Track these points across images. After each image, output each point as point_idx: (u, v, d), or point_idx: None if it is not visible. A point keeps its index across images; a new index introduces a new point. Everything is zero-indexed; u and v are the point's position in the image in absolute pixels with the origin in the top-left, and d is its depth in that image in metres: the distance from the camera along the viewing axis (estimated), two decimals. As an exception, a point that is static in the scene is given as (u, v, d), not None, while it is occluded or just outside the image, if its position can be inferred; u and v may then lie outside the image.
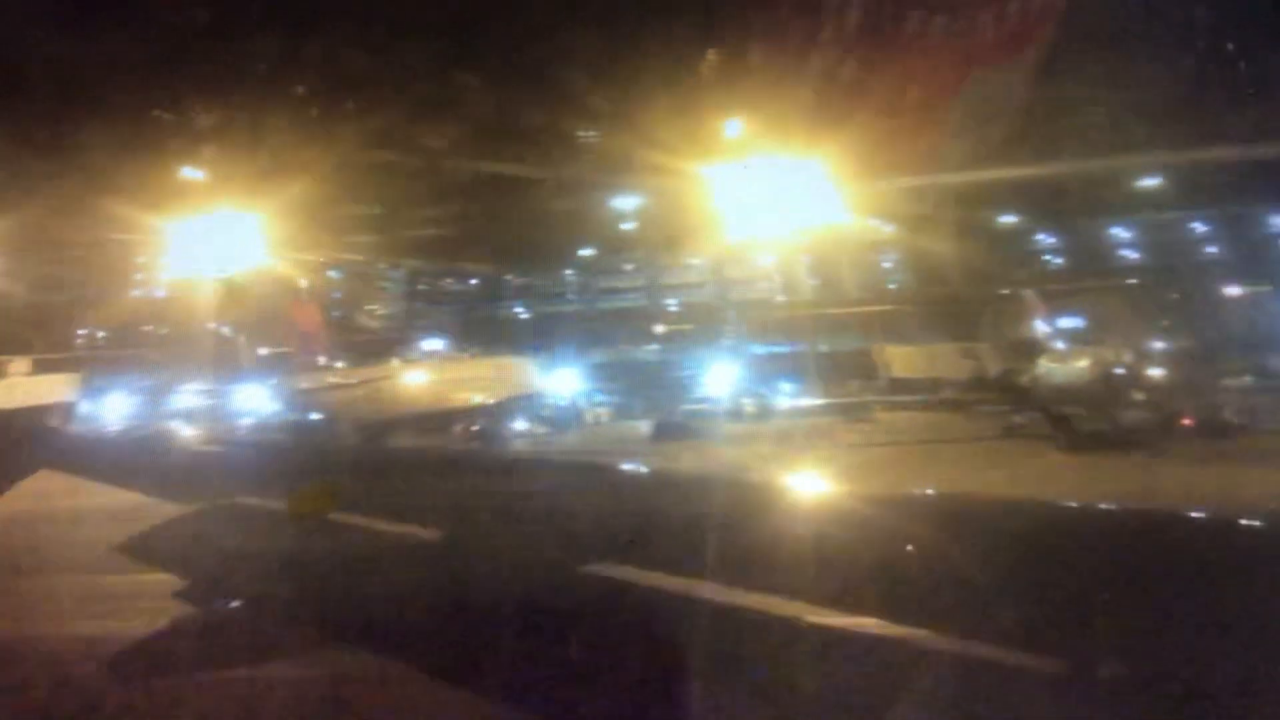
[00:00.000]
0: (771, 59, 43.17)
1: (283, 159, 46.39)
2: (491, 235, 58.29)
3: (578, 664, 3.89)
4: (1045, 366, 33.08)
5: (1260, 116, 43.88)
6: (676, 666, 3.51)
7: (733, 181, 43.04)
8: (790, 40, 43.87)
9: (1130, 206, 51.32)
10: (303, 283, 49.50)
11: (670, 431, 34.55)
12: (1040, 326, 35.93)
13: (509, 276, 61.81)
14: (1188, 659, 2.43)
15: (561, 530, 4.50)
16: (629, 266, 59.06)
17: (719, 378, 42.26)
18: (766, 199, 43.07)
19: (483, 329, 55.67)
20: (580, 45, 49.82)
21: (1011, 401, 33.42)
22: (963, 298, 43.79)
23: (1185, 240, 52.73)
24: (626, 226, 57.84)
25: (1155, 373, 31.84)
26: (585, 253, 59.66)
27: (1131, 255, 54.50)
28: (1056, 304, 39.67)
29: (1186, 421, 29.44)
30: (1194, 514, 3.20)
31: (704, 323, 51.45)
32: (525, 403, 38.50)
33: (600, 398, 42.83)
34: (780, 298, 51.94)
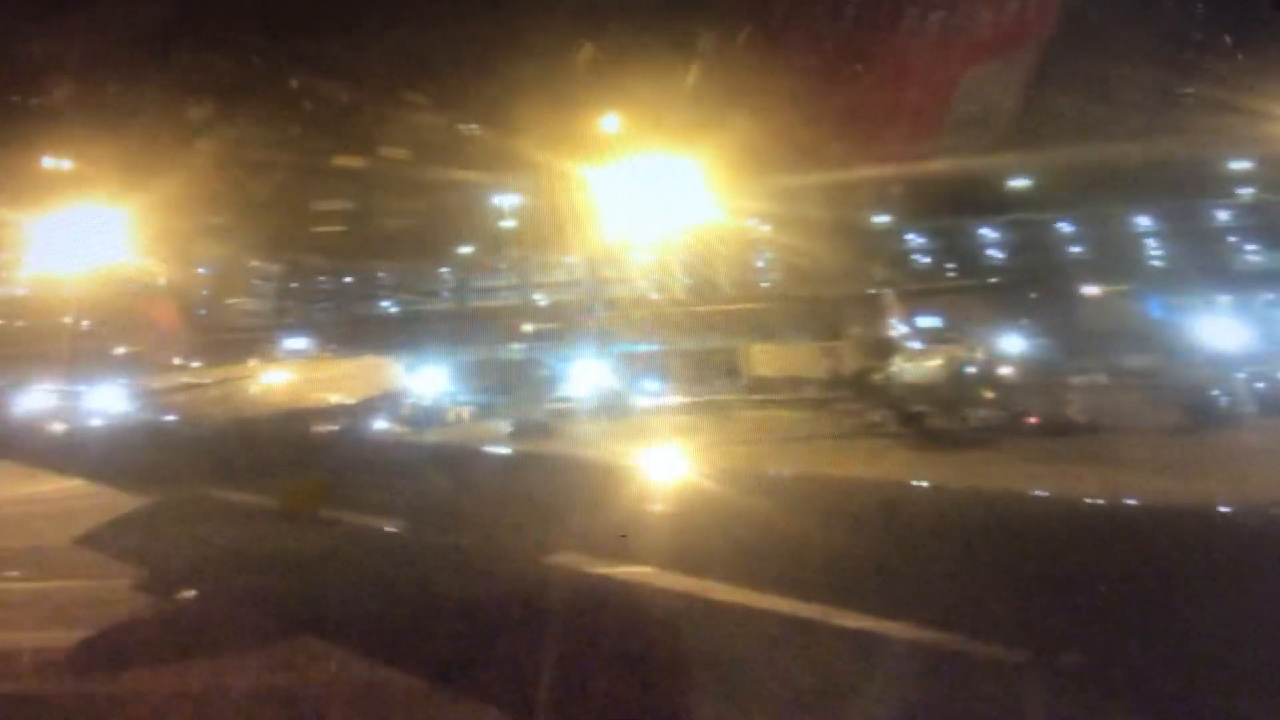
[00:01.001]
0: (653, 61, 43.04)
1: (151, 154, 45.14)
2: (366, 233, 57.45)
3: (554, 659, 3.65)
4: (899, 365, 33.16)
5: (1126, 121, 44.85)
6: (655, 661, 3.41)
7: (612, 181, 42.80)
8: (672, 43, 43.82)
9: (1000, 207, 52.20)
10: (161, 280, 48.20)
11: (529, 431, 33.96)
12: (897, 325, 36.08)
13: (384, 274, 61.00)
14: (1145, 648, 2.43)
15: (539, 525, 4.33)
16: (505, 265, 58.52)
17: (583, 376, 41.80)
18: (645, 198, 42.92)
19: (352, 327, 54.62)
20: (464, 43, 49.25)
21: (866, 400, 33.42)
22: (827, 297, 43.99)
23: (1050, 241, 53.71)
24: (505, 224, 57.45)
25: (1005, 371, 32.01)
26: (462, 250, 59.10)
27: (998, 255, 55.36)
28: (917, 303, 39.97)
29: (1032, 420, 29.61)
30: (1153, 505, 3.13)
31: (574, 321, 50.97)
32: (384, 402, 37.60)
33: (464, 397, 42.08)
34: (654, 296, 51.74)
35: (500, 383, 43.18)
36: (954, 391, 31.02)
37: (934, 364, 32.29)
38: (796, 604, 3.11)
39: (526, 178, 50.68)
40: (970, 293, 46.24)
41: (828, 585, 3.12)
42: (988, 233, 55.19)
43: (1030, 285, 47.39)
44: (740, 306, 46.97)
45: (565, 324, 50.98)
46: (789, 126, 42.92)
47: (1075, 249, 53.92)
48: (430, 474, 6.16)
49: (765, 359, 41.33)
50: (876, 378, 33.29)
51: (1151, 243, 54.18)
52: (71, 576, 8.69)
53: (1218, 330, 37.35)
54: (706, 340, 45.39)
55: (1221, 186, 51.52)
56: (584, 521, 4.27)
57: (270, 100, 51.50)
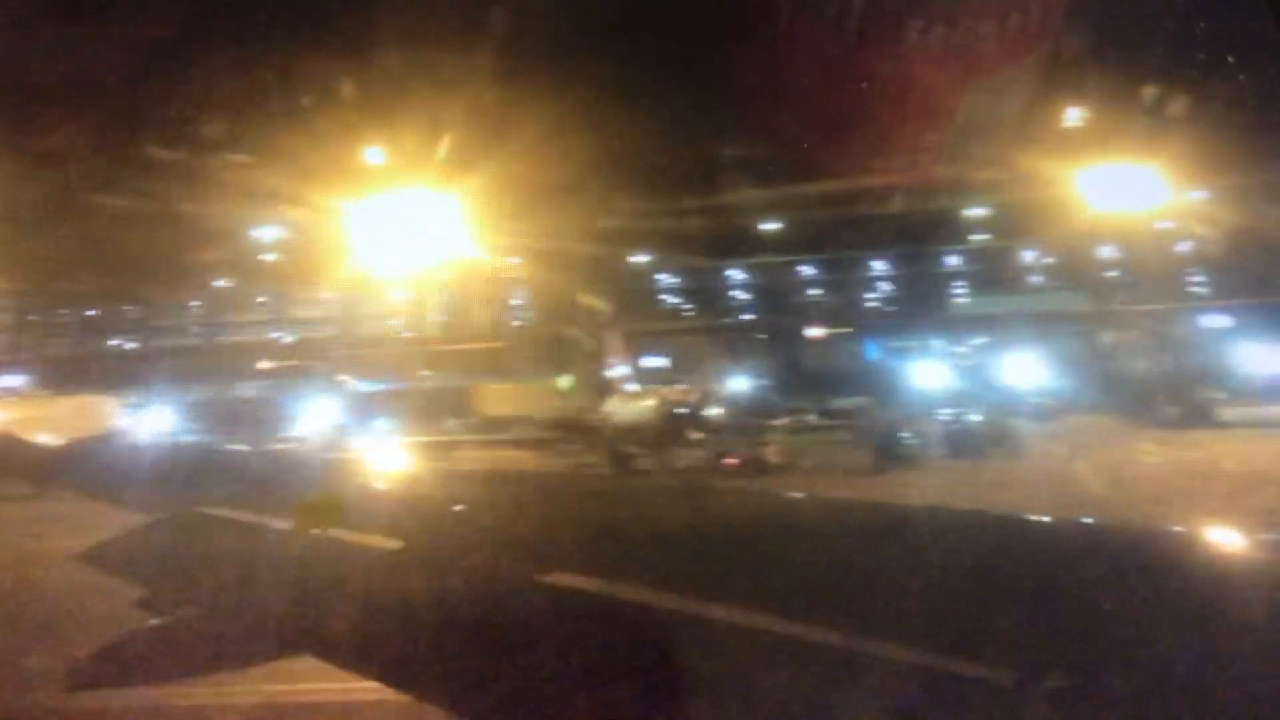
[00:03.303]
0: (418, 96, 42.50)
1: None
2: (113, 265, 55.06)
3: (546, 678, 3.58)
4: (612, 406, 33.41)
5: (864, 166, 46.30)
6: (644, 680, 3.32)
7: (370, 216, 42.13)
8: (433, 74, 43.31)
9: (751, 249, 53.27)
10: None
11: (243, 472, 32.88)
12: (618, 365, 36.40)
13: (129, 308, 58.61)
14: (1133, 671, 2.45)
15: (534, 541, 4.27)
16: (257, 299, 56.98)
17: (312, 416, 40.85)
18: (403, 234, 42.35)
19: (84, 364, 52.28)
20: (220, 72, 47.75)
21: (582, 440, 33.55)
22: (560, 336, 44.13)
23: (792, 283, 55.10)
24: (260, 258, 55.88)
25: (713, 413, 32.54)
26: (215, 284, 57.27)
27: (741, 296, 56.55)
28: (646, 343, 40.48)
29: (730, 461, 30.07)
30: (1142, 526, 3.59)
31: (315, 359, 49.91)
32: (94, 444, 35.84)
33: (184, 437, 40.62)
34: (401, 334, 51.09)
35: (224, 422, 41.91)
36: (661, 433, 31.38)
37: (645, 405, 32.62)
38: (783, 622, 3.09)
39: (283, 211, 49.53)
40: (701, 333, 47.08)
41: (814, 603, 3.16)
42: (733, 274, 56.29)
43: (758, 326, 48.53)
44: (481, 345, 46.70)
45: (306, 361, 49.90)
46: (552, 164, 43.11)
47: (812, 291, 55.50)
48: (429, 491, 6.11)
49: (497, 398, 41.11)
50: (591, 418, 33.43)
51: (884, 286, 56.16)
52: (66, 586, 9.18)
53: (925, 372, 38.79)
54: (444, 379, 44.98)
55: (956, 233, 53.75)
56: (581, 538, 4.24)
57: (18, 124, 49.23)
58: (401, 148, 43.09)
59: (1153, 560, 2.94)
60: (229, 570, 5.10)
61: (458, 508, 5.14)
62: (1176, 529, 3.24)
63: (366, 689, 5.54)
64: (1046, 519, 3.78)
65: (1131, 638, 2.54)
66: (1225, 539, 3.16)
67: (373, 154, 45.09)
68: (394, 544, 4.54)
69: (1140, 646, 2.51)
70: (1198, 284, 52.31)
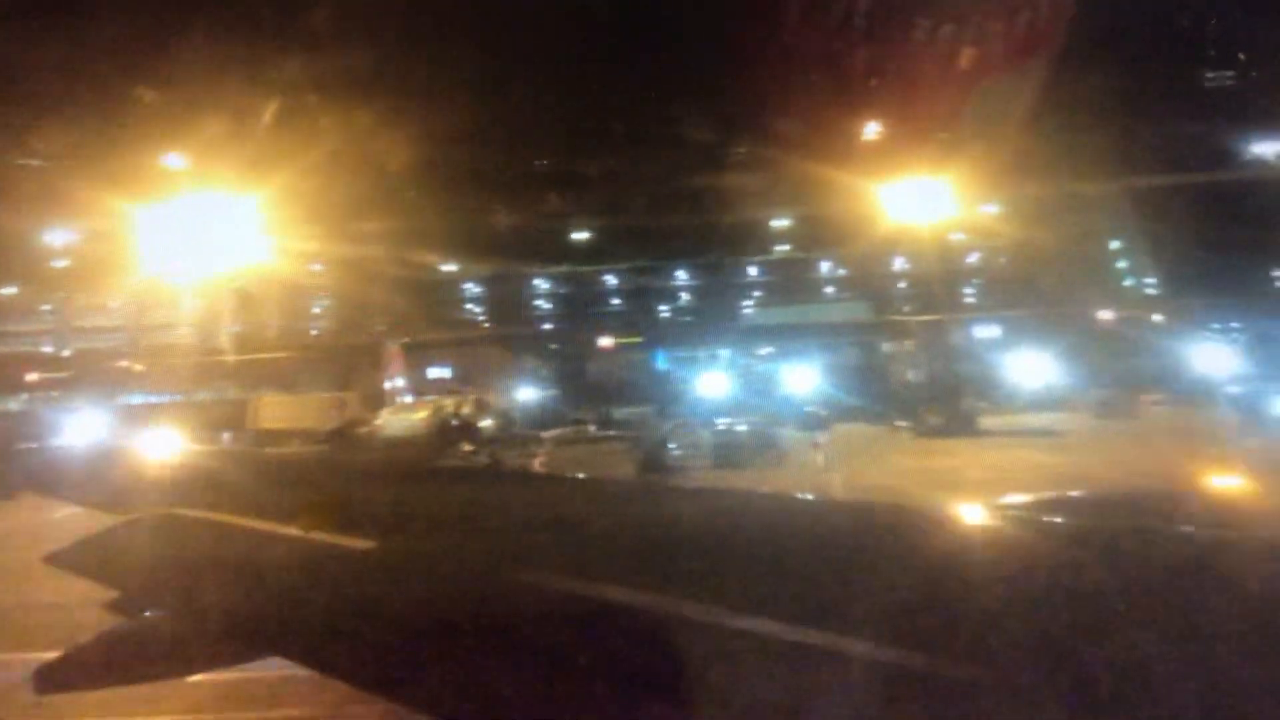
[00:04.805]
0: (215, 97, 41.20)
1: None
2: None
3: (537, 680, 3.47)
4: (384, 417, 32.95)
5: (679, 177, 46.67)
6: (637, 681, 3.22)
7: (166, 222, 40.68)
8: (235, 77, 42.04)
9: (551, 258, 53.28)
10: None
11: (-7, 491, 31.13)
12: (396, 377, 35.91)
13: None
14: (1113, 672, 2.38)
15: (514, 542, 4.32)
16: (45, 308, 54.29)
17: (78, 431, 38.96)
18: (198, 240, 40.97)
19: None
20: (9, 71, 45.49)
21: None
22: (343, 346, 43.39)
23: (587, 293, 55.25)
24: (50, 265, 53.52)
25: (488, 424, 32.31)
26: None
27: (541, 306, 56.51)
28: (434, 353, 39.94)
29: (499, 474, 29.79)
30: (1129, 527, 3.57)
31: (89, 370, 47.80)
32: None
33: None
34: (186, 343, 49.27)
35: (-19, 437, 39.75)
36: (432, 445, 31.02)
37: (418, 416, 32.35)
38: (776, 623, 3.07)
39: (74, 215, 47.75)
40: (490, 343, 46.75)
41: (807, 603, 3.17)
42: (533, 283, 56.18)
43: (550, 336, 48.45)
44: (265, 355, 45.45)
45: (79, 373, 47.73)
46: (356, 171, 42.38)
47: (610, 301, 55.70)
48: (402, 491, 6.05)
49: (275, 410, 39.91)
50: (361, 431, 32.83)
51: (681, 296, 56.67)
52: (38, 587, 9.01)
53: (708, 382, 38.96)
54: (223, 390, 43.57)
55: (761, 243, 54.55)
56: (576, 541, 4.27)
57: None
58: (201, 152, 41.85)
59: (1138, 561, 3.01)
60: (201, 570, 5.00)
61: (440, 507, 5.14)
62: (1173, 530, 3.38)
63: (344, 692, 5.57)
64: (1041, 519, 3.94)
65: (1125, 640, 2.56)
66: (1221, 539, 3.22)
67: (170, 158, 43.76)
68: (369, 544, 4.53)
69: (1134, 648, 2.52)
70: (975, 295, 54.01)
